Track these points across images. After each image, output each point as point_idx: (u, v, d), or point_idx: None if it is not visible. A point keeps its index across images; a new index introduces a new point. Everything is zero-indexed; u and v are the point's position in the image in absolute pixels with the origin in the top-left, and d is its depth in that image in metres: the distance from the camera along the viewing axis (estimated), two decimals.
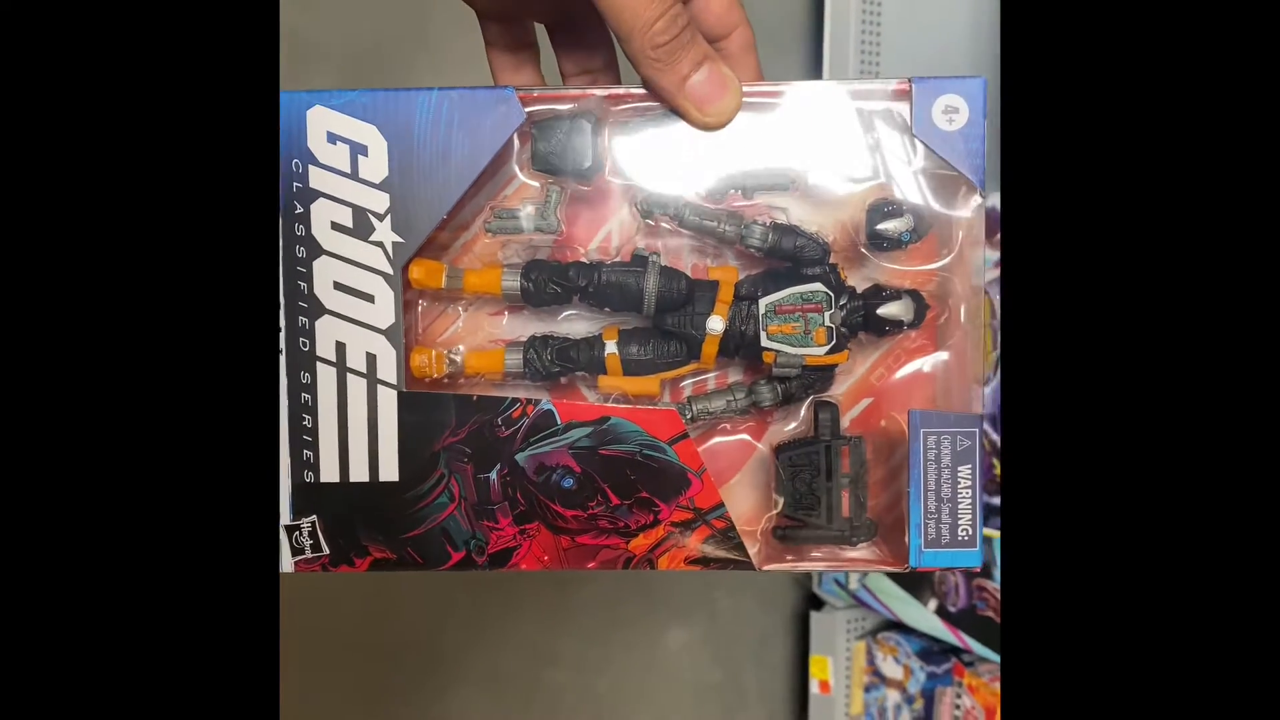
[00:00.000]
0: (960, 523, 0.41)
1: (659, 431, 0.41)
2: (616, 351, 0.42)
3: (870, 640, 1.24)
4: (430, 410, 0.41)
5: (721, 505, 0.41)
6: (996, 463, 0.84)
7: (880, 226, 0.42)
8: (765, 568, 0.42)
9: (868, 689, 1.23)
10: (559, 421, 0.41)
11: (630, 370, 0.43)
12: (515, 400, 0.41)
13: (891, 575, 1.19)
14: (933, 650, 1.19)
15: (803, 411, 0.44)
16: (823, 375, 0.43)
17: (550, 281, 0.42)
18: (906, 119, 0.41)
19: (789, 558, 0.43)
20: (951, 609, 1.13)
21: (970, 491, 0.41)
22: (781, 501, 0.43)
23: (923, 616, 1.16)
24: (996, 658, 1.11)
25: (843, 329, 0.42)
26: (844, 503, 0.42)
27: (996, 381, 0.84)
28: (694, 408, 0.43)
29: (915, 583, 1.17)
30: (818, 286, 0.42)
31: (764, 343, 0.42)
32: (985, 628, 1.10)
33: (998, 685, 1.11)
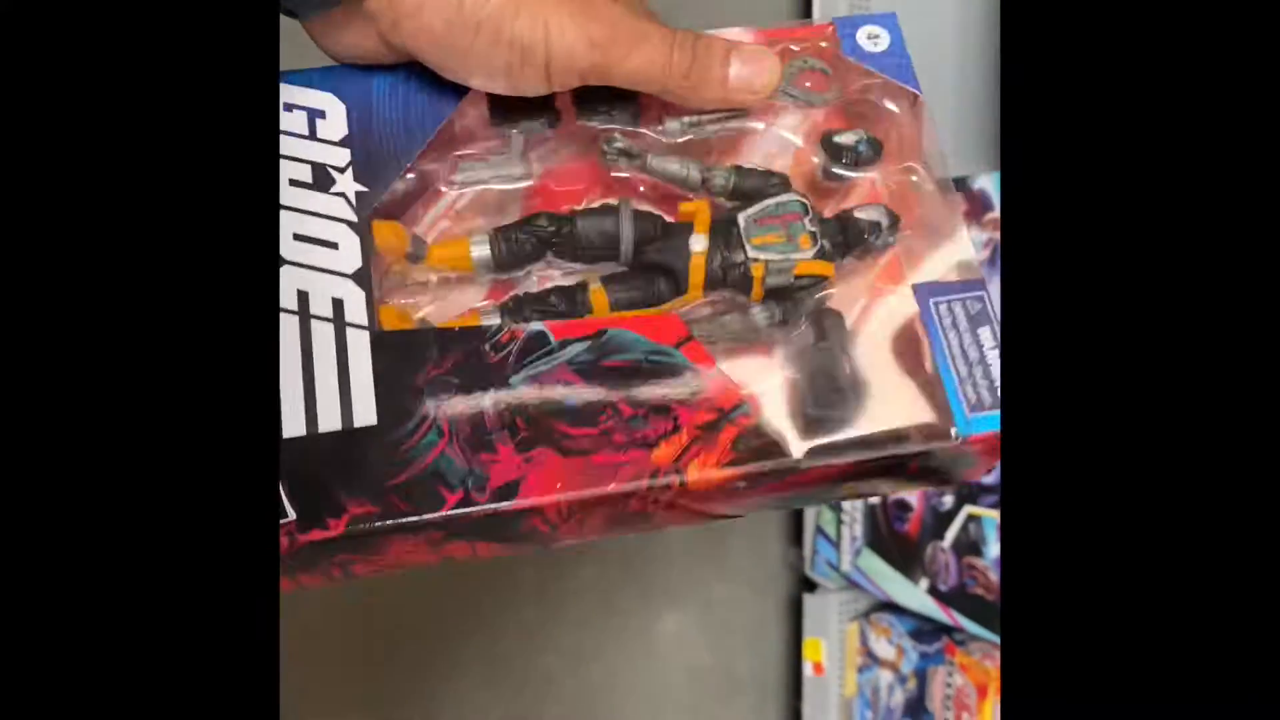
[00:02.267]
0: (997, 384, 0.39)
1: (662, 337, 0.39)
2: (601, 287, 0.41)
3: (863, 621, 1.24)
4: (408, 347, 0.38)
5: (744, 403, 0.38)
6: None
7: (837, 139, 0.43)
8: (805, 463, 0.38)
9: (861, 670, 1.24)
10: (553, 340, 0.38)
11: (617, 309, 0.41)
12: (501, 326, 0.39)
13: (882, 553, 1.20)
14: (925, 630, 1.20)
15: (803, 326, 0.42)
16: (815, 289, 0.42)
17: (520, 234, 0.41)
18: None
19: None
20: (943, 588, 1.14)
21: (996, 352, 0.39)
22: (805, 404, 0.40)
23: (914, 596, 1.17)
24: (987, 635, 1.11)
25: (824, 241, 0.41)
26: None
27: None
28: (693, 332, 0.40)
29: (906, 562, 1.18)
30: (792, 196, 0.42)
31: (750, 253, 0.41)
32: (976, 605, 1.11)
33: (989, 663, 1.12)
